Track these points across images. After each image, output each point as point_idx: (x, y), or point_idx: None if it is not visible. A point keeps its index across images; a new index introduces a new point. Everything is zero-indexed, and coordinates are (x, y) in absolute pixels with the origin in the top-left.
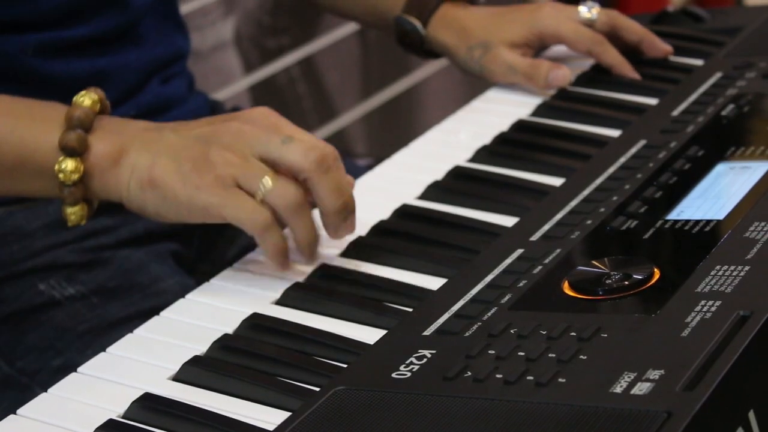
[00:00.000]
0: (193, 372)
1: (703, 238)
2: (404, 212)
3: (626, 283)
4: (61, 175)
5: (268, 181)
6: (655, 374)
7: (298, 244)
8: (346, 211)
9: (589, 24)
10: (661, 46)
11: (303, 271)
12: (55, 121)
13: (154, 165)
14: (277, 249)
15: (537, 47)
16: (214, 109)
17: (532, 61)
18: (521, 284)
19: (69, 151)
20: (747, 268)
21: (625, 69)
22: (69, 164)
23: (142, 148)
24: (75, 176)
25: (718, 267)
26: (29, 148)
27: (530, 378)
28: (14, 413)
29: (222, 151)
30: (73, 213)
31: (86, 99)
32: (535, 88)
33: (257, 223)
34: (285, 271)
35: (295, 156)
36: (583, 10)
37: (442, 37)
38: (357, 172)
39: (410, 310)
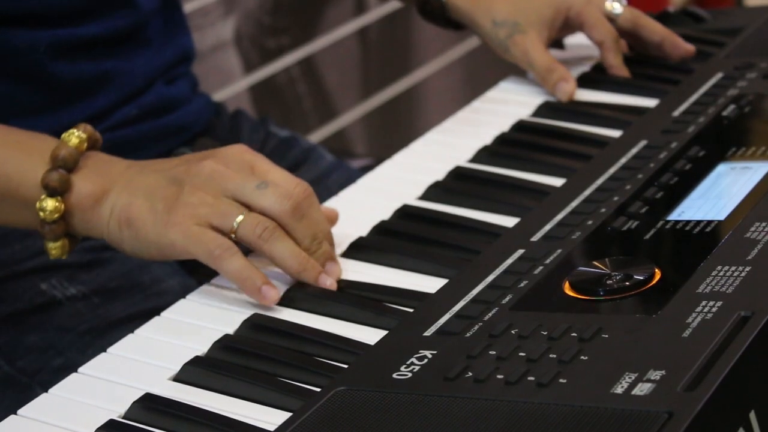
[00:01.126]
0: (193, 372)
1: (704, 239)
2: (405, 212)
3: (627, 283)
4: (41, 213)
5: (240, 218)
6: (656, 375)
7: (288, 271)
8: (326, 254)
9: (612, 19)
10: (683, 46)
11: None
12: (41, 157)
13: (131, 205)
14: (239, 275)
15: (560, 27)
16: (216, 110)
17: (550, 63)
18: (522, 285)
19: (51, 191)
20: (748, 268)
21: (622, 73)
22: (50, 203)
23: (122, 188)
24: (55, 215)
25: (719, 267)
26: (14, 181)
27: (531, 378)
28: (14, 413)
29: (195, 191)
30: (54, 248)
31: (73, 138)
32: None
33: (212, 250)
34: (269, 302)
35: (268, 202)
36: (609, 3)
37: (463, 5)
38: (353, 174)
39: (411, 310)
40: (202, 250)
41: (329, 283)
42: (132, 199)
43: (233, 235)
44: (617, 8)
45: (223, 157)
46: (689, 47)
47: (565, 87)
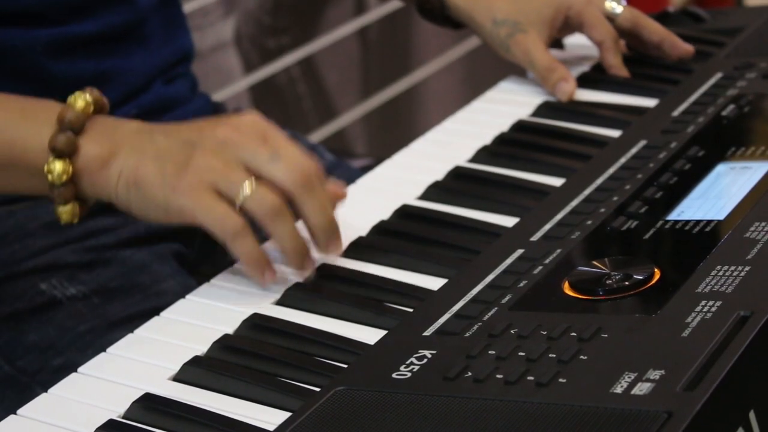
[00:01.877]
0: (193, 372)
1: (703, 239)
2: (405, 212)
3: (627, 283)
4: (50, 176)
5: (247, 187)
6: (655, 374)
7: (283, 252)
8: (332, 229)
9: (612, 18)
10: (682, 47)
11: (303, 271)
12: (46, 120)
13: (139, 166)
14: (249, 257)
15: (560, 27)
16: (216, 110)
17: (550, 63)
18: (522, 284)
19: (58, 153)
20: (747, 268)
21: (622, 73)
22: (58, 166)
23: (131, 150)
24: (64, 177)
25: (718, 267)
26: (20, 147)
27: (531, 378)
28: (14, 413)
29: (206, 155)
30: (65, 212)
31: (79, 100)
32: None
33: (227, 228)
34: (266, 284)
35: (280, 174)
36: (609, 3)
37: (462, 4)
38: (353, 174)
39: (410, 310)
40: (214, 223)
41: (309, 265)
42: (141, 161)
43: (238, 203)
44: (617, 8)
45: (237, 124)
46: (688, 47)
47: (565, 87)
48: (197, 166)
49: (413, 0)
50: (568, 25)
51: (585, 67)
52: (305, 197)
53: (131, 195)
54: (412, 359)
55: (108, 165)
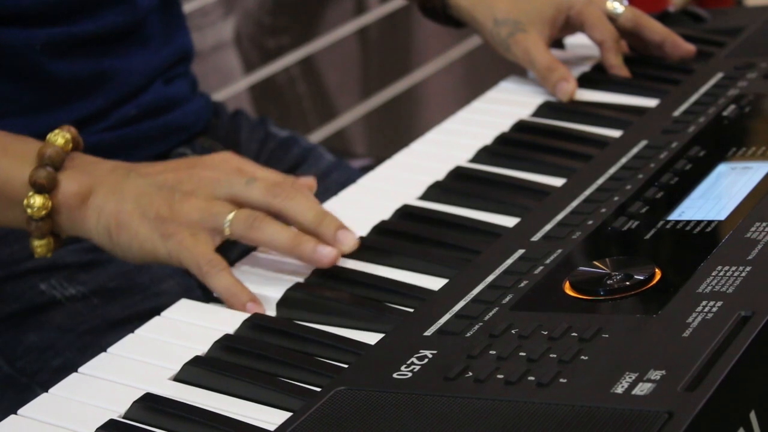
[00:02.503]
0: (194, 372)
1: (704, 239)
2: (405, 212)
3: (627, 283)
4: (29, 210)
5: (231, 215)
6: (656, 374)
7: (281, 250)
8: (325, 219)
9: (613, 18)
10: (684, 46)
11: (303, 271)
12: (27, 156)
13: (120, 211)
14: (226, 290)
15: (561, 27)
16: (216, 110)
17: (551, 62)
18: (522, 284)
19: (38, 188)
20: (748, 268)
21: (622, 73)
22: (37, 200)
23: (108, 191)
24: (43, 212)
25: (719, 267)
26: (0, 180)
27: (531, 378)
28: (14, 413)
29: (186, 198)
30: (40, 246)
31: (59, 138)
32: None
33: (205, 263)
34: (252, 311)
35: (258, 193)
36: (611, 3)
37: (464, 3)
38: (353, 174)
39: (411, 310)
40: (192, 263)
41: (327, 252)
42: (121, 205)
43: (227, 233)
44: (618, 8)
45: (210, 163)
46: (690, 47)
47: (566, 87)
48: (180, 210)
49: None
50: (570, 24)
51: (585, 67)
52: (287, 204)
53: (113, 239)
54: (413, 359)
55: (86, 203)
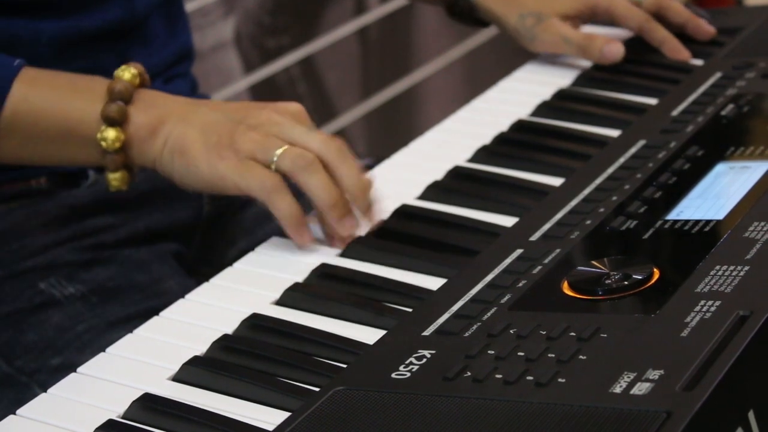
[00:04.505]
0: (192, 372)
1: (702, 238)
2: (404, 212)
3: (626, 283)
4: (103, 143)
5: (281, 150)
6: (654, 374)
7: (317, 203)
8: (368, 189)
9: (637, 4)
10: (705, 28)
11: (303, 271)
12: (97, 93)
13: (185, 136)
14: (287, 213)
15: (587, 21)
16: None
17: (587, 34)
18: (521, 284)
19: (110, 122)
20: (746, 268)
21: (675, 46)
22: (111, 133)
23: (178, 119)
24: (117, 144)
25: (717, 267)
26: (74, 119)
27: (530, 378)
28: (13, 413)
29: (248, 130)
30: (115, 179)
31: (126, 73)
32: (589, 59)
33: (265, 186)
34: (303, 244)
35: (314, 142)
36: None
37: (492, 5)
38: None
39: (410, 310)
40: (254, 184)
41: (350, 225)
42: (186, 131)
43: (273, 167)
44: None
45: (280, 108)
46: (711, 29)
47: (612, 48)
48: (240, 139)
49: (442, 2)
50: (598, 19)
51: (585, 67)
52: (338, 162)
53: (175, 162)
54: (412, 359)
55: (156, 133)
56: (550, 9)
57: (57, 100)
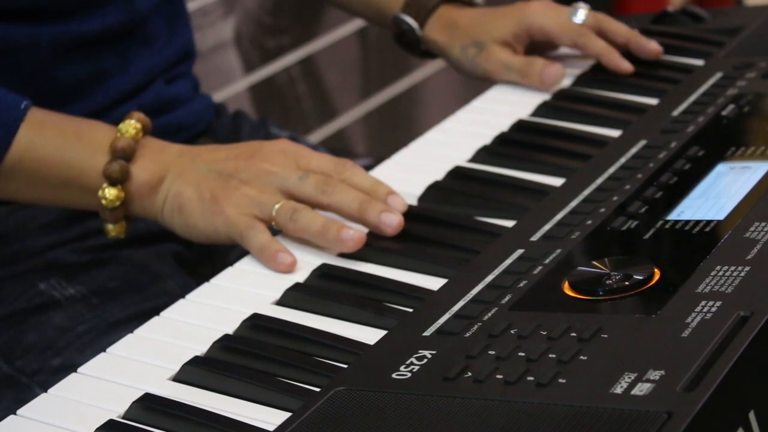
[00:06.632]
0: (193, 372)
1: (703, 239)
2: (404, 212)
3: (626, 283)
4: (104, 201)
5: (278, 205)
6: (655, 375)
7: (315, 239)
8: (369, 208)
9: None
10: (648, 47)
11: (303, 271)
12: (100, 146)
13: (181, 194)
14: (259, 246)
15: (526, 43)
16: (217, 111)
17: (527, 58)
18: (521, 284)
19: (112, 181)
20: (747, 268)
21: (613, 57)
22: (111, 192)
23: (175, 176)
24: (117, 203)
25: (718, 267)
26: (76, 170)
27: (530, 378)
28: (14, 413)
29: (241, 185)
30: (113, 230)
31: (130, 129)
32: (530, 84)
33: (245, 227)
34: (285, 272)
35: (308, 190)
36: (571, 13)
37: (436, 37)
38: None
39: (410, 310)
40: (235, 232)
41: (349, 236)
42: (183, 188)
43: (273, 223)
44: (580, 15)
45: (269, 154)
46: (655, 47)
47: (552, 70)
48: (233, 195)
49: (390, 29)
50: (535, 39)
51: (585, 67)
52: (332, 199)
53: (175, 219)
54: (412, 359)
55: (156, 190)
56: (488, 36)
57: (61, 148)
